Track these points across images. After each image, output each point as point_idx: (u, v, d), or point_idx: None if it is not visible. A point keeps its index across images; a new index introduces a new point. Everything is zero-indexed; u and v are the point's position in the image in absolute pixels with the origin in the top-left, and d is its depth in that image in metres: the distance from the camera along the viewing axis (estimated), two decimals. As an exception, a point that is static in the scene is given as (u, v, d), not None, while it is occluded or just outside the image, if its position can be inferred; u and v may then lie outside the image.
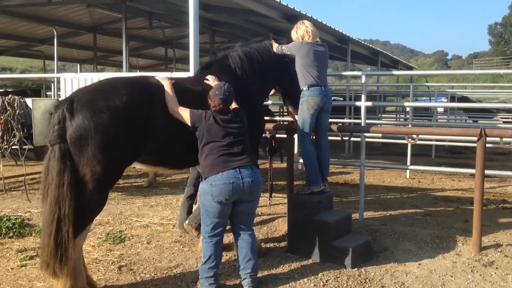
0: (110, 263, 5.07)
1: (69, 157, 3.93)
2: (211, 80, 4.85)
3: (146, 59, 22.96)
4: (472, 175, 7.44)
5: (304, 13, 9.62)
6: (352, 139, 6.39)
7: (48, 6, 12.46)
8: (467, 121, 19.91)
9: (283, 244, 5.60)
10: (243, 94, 4.81)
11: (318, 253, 5.06)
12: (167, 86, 4.48)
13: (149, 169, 5.00)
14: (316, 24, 10.57)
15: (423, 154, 13.56)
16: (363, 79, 6.11)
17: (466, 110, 20.41)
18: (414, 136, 5.44)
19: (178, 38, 19.29)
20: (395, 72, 8.42)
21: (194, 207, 6.06)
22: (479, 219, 5.12)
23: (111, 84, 4.37)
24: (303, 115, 5.27)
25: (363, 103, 6.08)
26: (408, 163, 9.74)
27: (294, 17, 9.84)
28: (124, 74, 7.17)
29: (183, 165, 5.09)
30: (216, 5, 9.88)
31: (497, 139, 5.34)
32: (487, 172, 5.20)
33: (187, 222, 5.84)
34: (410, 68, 25.38)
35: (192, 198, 6.10)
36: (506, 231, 6.01)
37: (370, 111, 18.20)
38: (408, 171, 10.08)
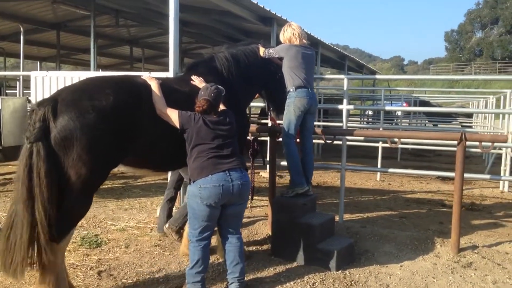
0: (88, 268, 4.91)
1: (54, 157, 3.78)
2: (197, 81, 4.79)
3: (110, 57, 22.48)
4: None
5: (279, 16, 9.63)
6: (320, 141, 6.39)
7: (12, 2, 12.02)
8: (427, 125, 20.48)
9: (265, 247, 5.58)
10: (229, 96, 4.75)
11: (302, 256, 5.06)
12: (155, 86, 4.39)
13: (134, 171, 4.86)
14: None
15: (388, 157, 13.81)
16: (345, 83, 6.16)
17: (427, 114, 21.01)
18: (396, 139, 5.53)
19: (145, 37, 19.01)
20: (377, 76, 8.52)
21: (174, 210, 5.97)
22: (458, 221, 5.25)
23: (96, 83, 4.24)
24: (289, 116, 5.27)
25: (345, 107, 6.14)
26: (379, 165, 9.94)
27: (268, 19, 9.86)
28: (101, 73, 6.98)
29: (169, 167, 5.01)
30: (192, 5, 9.77)
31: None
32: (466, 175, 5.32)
33: (167, 225, 5.73)
34: (373, 72, 25.90)
35: (172, 201, 6.00)
36: (480, 233, 6.21)
37: (336, 114, 18.42)
38: (378, 173, 10.25)
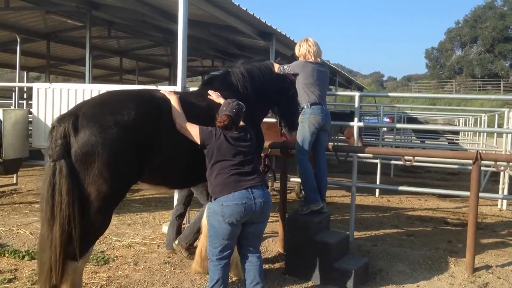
0: (98, 286, 4.76)
1: (76, 174, 3.68)
2: (214, 96, 4.73)
3: (98, 69, 22.21)
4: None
5: (279, 31, 9.63)
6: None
7: (2, 11, 11.80)
8: (413, 141, 20.63)
9: (277, 265, 5.49)
10: (245, 112, 4.70)
11: (318, 275, 4.98)
12: (174, 101, 4.31)
13: (151, 188, 4.75)
14: (288, 42, 10.68)
15: (381, 173, 13.83)
16: (357, 100, 6.15)
17: (414, 130, 21.16)
18: (410, 157, 5.53)
19: (135, 49, 18.88)
20: (390, 94, 8.57)
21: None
22: (473, 241, 5.22)
23: (117, 98, 4.17)
24: (304, 132, 5.23)
25: (356, 123, 6.11)
26: (378, 182, 9.97)
27: (268, 34, 9.84)
28: (108, 86, 6.84)
29: (187, 184, 4.90)
30: (193, 19, 9.69)
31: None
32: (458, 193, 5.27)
33: (176, 242, 5.60)
34: (361, 88, 26.16)
35: (181, 217, 5.88)
36: (490, 252, 6.21)
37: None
38: (377, 190, 10.26)
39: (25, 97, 15.18)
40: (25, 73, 20.56)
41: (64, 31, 15.44)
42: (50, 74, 22.44)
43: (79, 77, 24.14)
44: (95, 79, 23.00)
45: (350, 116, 9.35)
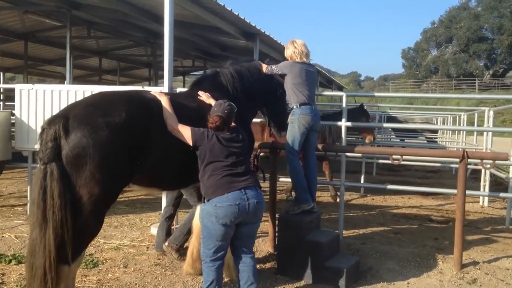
0: (89, 290, 4.70)
1: (67, 177, 3.61)
2: (204, 97, 4.71)
3: (77, 69, 21.89)
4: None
5: (263, 32, 9.63)
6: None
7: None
8: (392, 139, 20.90)
9: (268, 265, 5.49)
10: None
11: (310, 274, 5.00)
12: (165, 102, 4.28)
13: (142, 189, 4.70)
14: (271, 43, 10.71)
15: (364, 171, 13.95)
16: (344, 100, 6.20)
17: (394, 129, 21.45)
18: (399, 156, 5.59)
19: (114, 49, 18.67)
20: (376, 93, 8.59)
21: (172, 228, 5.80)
22: (461, 237, 5.31)
23: (107, 99, 4.10)
24: (294, 133, 5.24)
25: (344, 123, 6.15)
26: (362, 180, 10.05)
27: (252, 34, 9.85)
28: (95, 87, 6.71)
29: (178, 186, 4.85)
30: (178, 19, 9.63)
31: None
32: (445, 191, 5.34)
33: (166, 243, 5.56)
34: (341, 88, 26.33)
35: (171, 218, 5.82)
36: (476, 248, 6.31)
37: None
38: (362, 188, 10.35)
39: (1, 98, 14.89)
40: (1, 74, 20.16)
41: (42, 31, 15.20)
42: (29, 75, 22.15)
43: (56, 78, 23.79)
44: (74, 80, 22.67)
45: (362, 113, 9.45)
